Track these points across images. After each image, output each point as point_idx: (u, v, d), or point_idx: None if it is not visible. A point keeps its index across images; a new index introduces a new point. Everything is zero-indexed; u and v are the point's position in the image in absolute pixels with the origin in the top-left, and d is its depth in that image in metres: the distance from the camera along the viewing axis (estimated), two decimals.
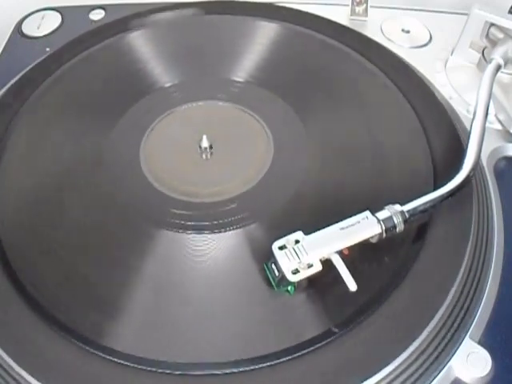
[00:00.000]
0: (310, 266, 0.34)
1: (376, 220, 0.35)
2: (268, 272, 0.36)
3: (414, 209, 0.36)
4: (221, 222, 0.40)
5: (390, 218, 0.36)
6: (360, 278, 0.35)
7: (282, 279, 0.34)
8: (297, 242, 0.35)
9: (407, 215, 0.36)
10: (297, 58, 0.52)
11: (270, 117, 0.47)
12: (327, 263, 0.34)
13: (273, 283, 0.35)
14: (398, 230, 0.36)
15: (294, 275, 0.34)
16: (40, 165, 0.44)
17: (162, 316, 0.35)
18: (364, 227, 0.35)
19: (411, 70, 0.50)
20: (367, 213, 0.36)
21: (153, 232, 0.39)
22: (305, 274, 0.34)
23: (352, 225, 0.35)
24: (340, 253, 0.35)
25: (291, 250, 0.35)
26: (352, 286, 0.33)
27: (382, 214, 0.36)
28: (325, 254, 0.34)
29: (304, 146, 0.45)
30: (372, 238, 0.36)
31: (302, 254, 0.34)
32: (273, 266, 0.35)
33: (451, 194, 0.37)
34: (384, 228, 0.35)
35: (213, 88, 0.50)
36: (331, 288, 0.35)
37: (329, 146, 0.45)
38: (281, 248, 0.35)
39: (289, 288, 0.35)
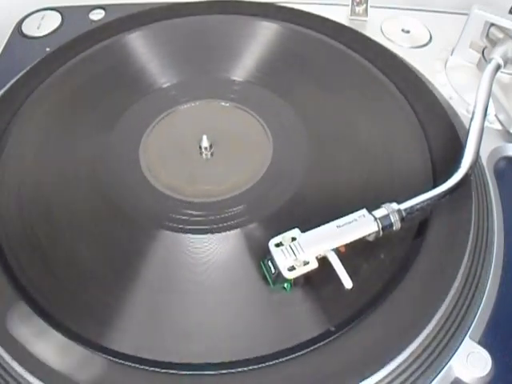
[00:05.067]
0: (306, 263, 0.34)
1: (373, 218, 0.36)
2: (264, 269, 0.36)
3: (411, 207, 0.36)
4: (220, 222, 0.40)
5: (387, 216, 0.36)
6: (360, 277, 0.35)
7: (278, 276, 0.34)
8: (293, 239, 0.35)
9: (404, 213, 0.36)
10: (297, 58, 0.52)
11: (270, 117, 0.47)
12: (328, 262, 0.34)
13: (269, 280, 0.35)
14: (394, 228, 0.36)
15: (290, 272, 0.34)
16: (40, 164, 0.44)
17: (161, 316, 0.35)
18: (361, 225, 0.35)
19: (411, 70, 0.50)
20: (364, 211, 0.36)
21: (152, 232, 0.39)
22: (301, 271, 0.34)
23: (349, 223, 0.35)
24: (336, 250, 0.35)
25: (287, 247, 0.35)
26: (347, 283, 0.33)
27: (379, 212, 0.36)
28: (321, 252, 0.34)
29: (303, 146, 0.45)
30: (369, 236, 0.36)
31: (298, 252, 0.34)
32: (269, 263, 0.35)
33: (449, 192, 0.37)
34: (381, 226, 0.35)
35: (213, 88, 0.50)
36: (331, 288, 0.35)
37: (328, 146, 0.45)
38: (277, 245, 0.35)
39: (285, 285, 0.35)
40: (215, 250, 0.38)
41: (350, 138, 0.45)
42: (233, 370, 0.32)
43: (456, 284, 0.36)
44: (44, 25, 0.61)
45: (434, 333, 0.34)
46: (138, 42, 0.53)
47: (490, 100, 0.44)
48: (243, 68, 0.51)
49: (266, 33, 0.54)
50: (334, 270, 0.34)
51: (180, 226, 0.40)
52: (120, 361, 0.33)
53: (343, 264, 0.34)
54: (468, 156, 0.39)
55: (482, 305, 0.37)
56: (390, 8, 0.60)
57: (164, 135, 0.47)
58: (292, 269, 0.34)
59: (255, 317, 0.35)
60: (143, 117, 0.48)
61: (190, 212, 0.41)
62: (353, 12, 0.59)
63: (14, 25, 0.61)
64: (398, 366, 0.33)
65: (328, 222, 0.36)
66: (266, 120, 0.47)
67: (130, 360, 0.33)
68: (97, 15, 0.61)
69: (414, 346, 0.33)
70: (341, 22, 0.56)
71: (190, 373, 0.33)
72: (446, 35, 0.56)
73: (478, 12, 0.50)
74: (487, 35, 0.51)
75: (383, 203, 0.37)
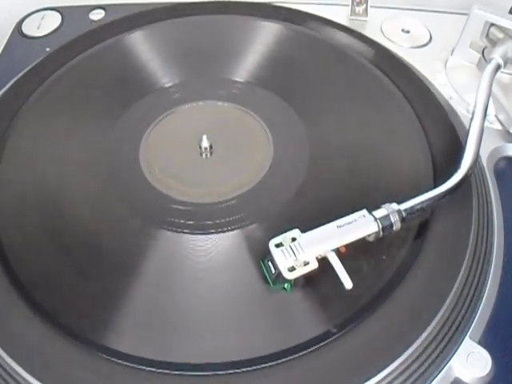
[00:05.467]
0: (306, 263, 0.34)
1: (373, 218, 0.36)
2: (264, 269, 0.36)
3: (411, 207, 0.36)
4: (221, 222, 0.40)
5: (387, 216, 0.36)
6: (360, 277, 0.35)
7: (278, 276, 0.34)
8: (293, 239, 0.35)
9: (404, 214, 0.36)
10: (297, 58, 0.52)
11: (270, 117, 0.47)
12: (328, 262, 0.34)
13: (269, 280, 0.35)
14: (394, 228, 0.36)
15: (290, 273, 0.34)
16: (40, 165, 0.44)
17: (161, 316, 0.35)
18: (361, 225, 0.35)
19: (411, 70, 0.50)
20: (364, 211, 0.36)
21: (153, 232, 0.39)
22: (301, 271, 0.34)
23: (349, 223, 0.35)
24: (337, 251, 0.35)
25: (288, 248, 0.35)
26: (347, 283, 0.33)
27: (379, 213, 0.36)
28: (321, 252, 0.34)
29: (304, 146, 0.45)
30: (369, 236, 0.36)
31: (299, 252, 0.34)
32: (269, 263, 0.35)
33: (449, 192, 0.37)
34: (381, 226, 0.35)
35: (213, 88, 0.50)
36: (331, 288, 0.35)
37: (328, 146, 0.45)
38: (277, 245, 0.35)
39: (285, 285, 0.35)
40: (215, 250, 0.38)
41: (351, 137, 0.45)
42: (234, 370, 0.32)
43: (456, 284, 0.36)
44: (44, 25, 0.61)
45: (434, 333, 0.34)
46: (138, 42, 0.53)
47: (490, 100, 0.44)
48: (243, 68, 0.51)
49: (266, 33, 0.53)
50: (334, 270, 0.34)
51: (180, 226, 0.40)
52: (119, 360, 0.33)
53: (343, 264, 0.34)
54: (468, 156, 0.39)
55: (482, 305, 0.37)
56: (390, 8, 0.60)
57: (164, 135, 0.47)
58: (292, 269, 0.34)
59: (255, 317, 0.35)
60: (143, 117, 0.48)
61: (190, 212, 0.41)
62: (353, 12, 0.59)
63: (14, 25, 0.61)
64: (398, 366, 0.33)
65: (328, 222, 0.36)
66: (266, 120, 0.47)
67: (130, 360, 0.33)
68: (97, 15, 0.61)
69: (415, 346, 0.33)
70: (341, 23, 0.56)
71: (190, 373, 0.33)
72: (446, 35, 0.56)
73: (478, 12, 0.50)
74: (487, 35, 0.51)
75: (383, 203, 0.37)
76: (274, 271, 0.35)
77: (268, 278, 0.35)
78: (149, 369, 0.33)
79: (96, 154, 0.45)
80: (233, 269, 0.38)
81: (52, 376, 0.32)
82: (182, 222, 0.40)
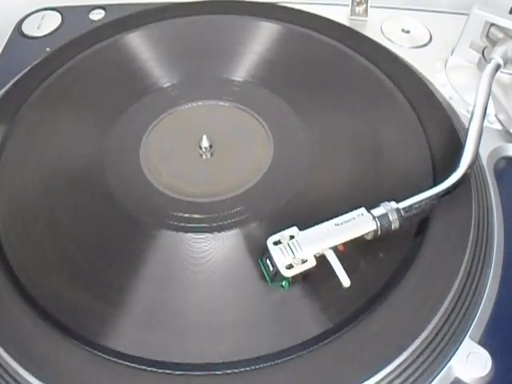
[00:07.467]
0: (304, 261, 0.34)
1: (371, 217, 0.36)
2: (262, 267, 0.36)
3: (410, 206, 0.36)
4: (220, 221, 0.40)
5: (386, 215, 0.36)
6: (360, 277, 0.35)
7: (277, 274, 0.34)
8: (291, 237, 0.35)
9: (402, 212, 0.36)
10: (297, 58, 0.52)
11: (270, 117, 0.47)
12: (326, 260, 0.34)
13: (267, 278, 0.35)
14: (393, 227, 0.36)
15: (288, 270, 0.34)
16: (40, 165, 0.44)
17: (161, 316, 0.35)
18: (359, 224, 0.35)
19: (411, 70, 0.50)
20: (362, 209, 0.36)
21: (153, 232, 0.39)
22: (299, 269, 0.34)
23: (347, 221, 0.35)
24: (335, 249, 0.35)
25: (286, 246, 0.35)
26: (345, 281, 0.33)
27: (378, 211, 0.36)
28: (319, 250, 0.34)
29: (304, 146, 0.45)
30: (367, 234, 0.36)
31: (297, 250, 0.34)
32: (267, 261, 0.35)
33: (447, 192, 0.37)
34: (379, 225, 0.35)
35: (213, 88, 0.50)
36: (330, 287, 0.35)
37: (328, 146, 0.45)
38: (275, 243, 0.35)
39: (283, 283, 0.35)
40: (215, 249, 0.38)
41: (350, 137, 0.45)
42: (234, 370, 0.32)
43: (456, 284, 0.36)
44: (44, 25, 0.61)
45: (434, 333, 0.34)
46: (138, 42, 0.53)
47: (490, 100, 0.44)
48: (243, 68, 0.51)
49: (266, 33, 0.54)
50: (332, 268, 0.34)
51: (180, 226, 0.40)
52: (120, 361, 0.33)
53: (342, 263, 0.34)
54: (467, 156, 0.39)
55: (482, 305, 0.37)
56: (390, 8, 0.60)
57: (164, 135, 0.47)
58: (290, 267, 0.34)
59: (255, 316, 0.35)
60: (143, 117, 0.48)
61: (190, 212, 0.41)
62: (353, 12, 0.59)
63: (14, 25, 0.61)
64: (398, 366, 0.33)
65: (327, 220, 0.36)
66: (266, 120, 0.47)
67: (129, 360, 0.33)
68: (97, 15, 0.61)
69: (414, 346, 0.33)
70: (341, 22, 0.56)
71: (190, 373, 0.33)
72: (446, 35, 0.56)
73: (478, 12, 0.50)
74: (487, 35, 0.51)
75: (382, 202, 0.37)
76: (271, 269, 0.35)
77: (266, 275, 0.35)
78: (149, 369, 0.33)
79: (96, 153, 0.45)
80: (232, 267, 0.38)
81: (52, 376, 0.32)
82: (182, 221, 0.40)
